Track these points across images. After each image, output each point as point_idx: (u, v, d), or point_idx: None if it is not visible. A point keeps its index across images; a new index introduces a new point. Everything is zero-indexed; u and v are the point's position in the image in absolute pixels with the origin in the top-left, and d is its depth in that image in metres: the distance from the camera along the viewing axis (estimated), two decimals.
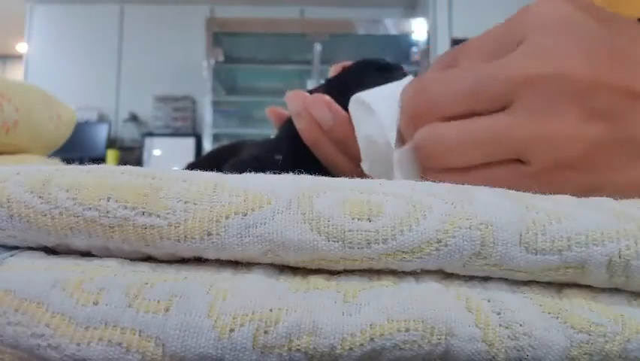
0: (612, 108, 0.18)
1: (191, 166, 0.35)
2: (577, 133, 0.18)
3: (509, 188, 0.17)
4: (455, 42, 2.63)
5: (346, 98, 0.30)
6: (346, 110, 0.28)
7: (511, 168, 0.19)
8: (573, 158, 0.18)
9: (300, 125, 0.29)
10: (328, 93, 0.30)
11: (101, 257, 0.15)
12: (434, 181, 0.16)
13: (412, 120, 0.21)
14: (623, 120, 0.18)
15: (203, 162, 0.37)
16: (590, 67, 0.18)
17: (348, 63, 0.34)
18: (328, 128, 0.28)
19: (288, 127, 0.32)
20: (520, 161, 0.19)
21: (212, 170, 0.16)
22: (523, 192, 0.16)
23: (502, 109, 0.19)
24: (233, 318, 0.13)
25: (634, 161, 0.18)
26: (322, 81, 0.34)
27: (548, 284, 0.15)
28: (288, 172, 0.16)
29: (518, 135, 0.19)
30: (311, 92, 0.32)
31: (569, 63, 0.18)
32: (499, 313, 0.13)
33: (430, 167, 0.21)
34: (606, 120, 0.18)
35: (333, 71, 0.34)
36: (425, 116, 0.21)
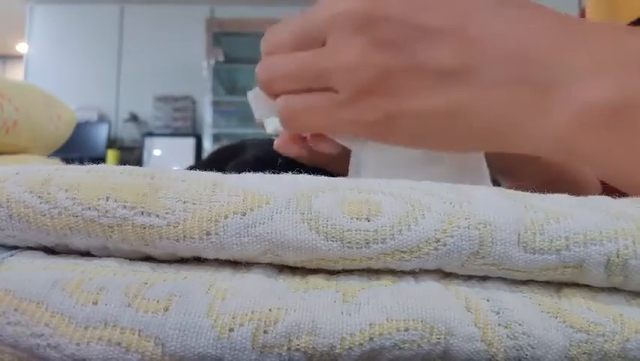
0: (396, 38, 0.20)
1: (192, 169, 0.34)
2: (365, 61, 0.20)
3: (323, 113, 0.22)
4: None
5: None
6: None
7: (327, 96, 0.22)
8: (369, 84, 0.21)
9: (305, 161, 0.29)
10: None
11: (100, 257, 0.15)
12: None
13: (264, 54, 0.25)
14: (408, 50, 0.20)
15: (204, 165, 0.36)
16: (375, 2, 0.21)
17: None
18: (306, 157, 0.28)
19: None
20: (333, 90, 0.22)
21: (212, 168, 0.16)
22: (335, 117, 0.21)
23: (320, 47, 0.22)
24: (233, 318, 0.13)
25: (428, 90, 0.20)
26: None
27: (547, 284, 0.15)
28: (288, 172, 0.16)
29: (324, 66, 0.21)
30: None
31: (360, 1, 0.21)
32: (498, 313, 0.14)
33: (268, 93, 0.24)
34: (391, 49, 0.20)
35: None
36: (270, 50, 0.24)
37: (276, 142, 0.29)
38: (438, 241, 0.14)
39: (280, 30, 0.24)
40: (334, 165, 0.29)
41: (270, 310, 0.13)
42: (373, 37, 0.20)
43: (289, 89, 0.23)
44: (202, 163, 0.38)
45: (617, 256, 0.14)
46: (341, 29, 0.21)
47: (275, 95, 0.24)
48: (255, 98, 0.26)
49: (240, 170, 0.33)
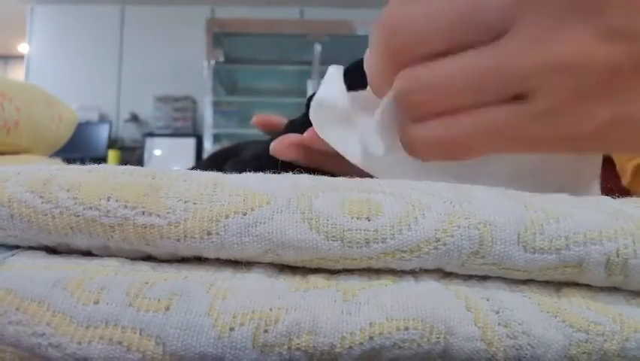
0: (632, 25, 0.15)
1: (193, 169, 0.35)
2: (593, 55, 0.15)
3: (508, 133, 0.15)
4: None
5: None
6: None
7: (514, 108, 0.16)
8: (592, 86, 0.16)
9: (302, 165, 0.28)
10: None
11: (101, 256, 0.15)
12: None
13: (389, 63, 0.18)
14: None
15: (204, 165, 0.36)
16: None
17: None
18: (305, 161, 0.28)
19: (287, 129, 0.32)
20: (519, 98, 0.16)
21: (213, 168, 0.16)
22: (524, 135, 0.15)
23: (496, 39, 0.16)
24: (234, 317, 0.13)
25: None
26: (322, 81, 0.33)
27: (547, 283, 0.15)
28: (287, 172, 0.16)
29: (520, 65, 0.16)
30: (290, 122, 0.31)
31: None
32: (497, 312, 0.14)
33: (416, 116, 0.18)
34: (625, 40, 0.15)
35: None
36: (406, 56, 0.18)
37: (272, 146, 0.28)
38: (438, 240, 0.14)
39: (417, 24, 0.17)
40: (331, 165, 0.29)
41: (270, 309, 0.13)
42: (601, 24, 0.15)
43: (459, 105, 0.17)
44: (201, 164, 0.38)
45: (617, 256, 0.14)
46: (545, 12, 0.16)
47: (429, 115, 0.18)
48: (382, 122, 0.19)
49: (238, 168, 0.32)
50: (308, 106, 0.29)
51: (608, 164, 0.30)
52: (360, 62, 0.32)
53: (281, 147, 0.28)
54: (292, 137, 0.28)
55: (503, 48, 0.16)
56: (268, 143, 0.33)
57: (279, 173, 0.16)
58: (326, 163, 0.28)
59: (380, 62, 0.19)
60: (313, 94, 0.32)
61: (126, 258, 0.15)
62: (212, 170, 0.17)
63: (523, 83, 0.16)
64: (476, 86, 0.17)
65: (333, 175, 0.17)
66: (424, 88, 0.17)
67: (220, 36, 2.75)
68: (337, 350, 0.13)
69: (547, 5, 0.16)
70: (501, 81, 0.16)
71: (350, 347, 0.13)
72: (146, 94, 3.06)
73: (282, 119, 0.35)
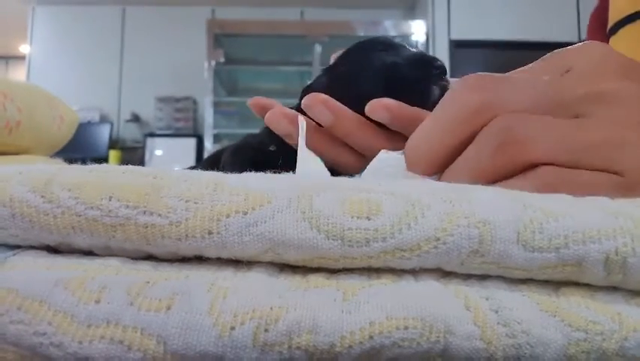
0: None
1: (192, 169, 0.34)
2: None
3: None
4: (453, 44, 2.63)
5: (351, 86, 0.29)
6: (353, 100, 0.28)
7: (605, 177, 0.18)
8: None
9: (293, 143, 0.29)
10: (331, 86, 0.29)
11: (102, 256, 0.15)
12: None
13: (467, 123, 0.20)
14: None
15: (203, 165, 0.36)
16: None
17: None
18: (329, 126, 0.28)
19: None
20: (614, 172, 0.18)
21: (212, 168, 0.16)
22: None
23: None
24: (234, 316, 0.13)
25: None
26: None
27: (546, 283, 0.15)
28: (282, 160, 0.16)
29: (600, 143, 0.18)
30: (310, 86, 0.32)
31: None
32: (497, 312, 0.14)
33: (512, 162, 0.19)
34: None
35: (333, 59, 0.33)
36: (489, 113, 0.19)
37: (267, 116, 0.28)
38: (438, 239, 0.14)
39: (515, 86, 0.19)
40: (323, 149, 0.28)
41: (271, 308, 0.13)
42: None
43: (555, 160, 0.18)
44: (200, 164, 0.38)
45: (616, 254, 0.14)
46: (624, 105, 0.18)
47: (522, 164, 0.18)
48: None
49: (232, 153, 0.32)
50: (301, 98, 0.29)
51: None
52: (363, 47, 0.31)
53: (274, 117, 0.28)
54: (286, 109, 0.29)
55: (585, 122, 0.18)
56: (262, 134, 0.33)
57: (279, 173, 0.16)
58: (317, 143, 0.28)
59: (454, 120, 0.20)
60: (308, 85, 0.32)
61: (127, 257, 0.15)
62: (210, 167, 0.17)
63: (608, 161, 0.18)
64: (578, 153, 0.18)
65: (331, 169, 0.17)
66: (530, 126, 0.18)
67: (221, 37, 2.75)
68: (337, 349, 0.13)
69: (615, 98, 0.18)
70: (600, 154, 0.18)
71: (350, 346, 0.13)
72: (147, 94, 3.06)
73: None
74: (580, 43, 0.21)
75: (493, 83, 0.20)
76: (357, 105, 0.27)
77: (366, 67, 0.29)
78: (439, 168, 0.20)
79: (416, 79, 0.28)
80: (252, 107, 0.33)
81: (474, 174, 0.19)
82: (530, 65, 0.22)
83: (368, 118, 0.27)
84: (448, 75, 0.29)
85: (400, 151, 0.22)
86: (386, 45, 0.30)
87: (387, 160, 0.22)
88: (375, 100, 0.26)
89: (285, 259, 0.15)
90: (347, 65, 0.31)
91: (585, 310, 0.14)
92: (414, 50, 0.30)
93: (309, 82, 0.33)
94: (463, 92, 0.20)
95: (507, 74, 0.22)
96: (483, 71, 0.21)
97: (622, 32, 0.43)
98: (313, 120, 0.28)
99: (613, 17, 0.44)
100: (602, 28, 0.48)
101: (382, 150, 0.23)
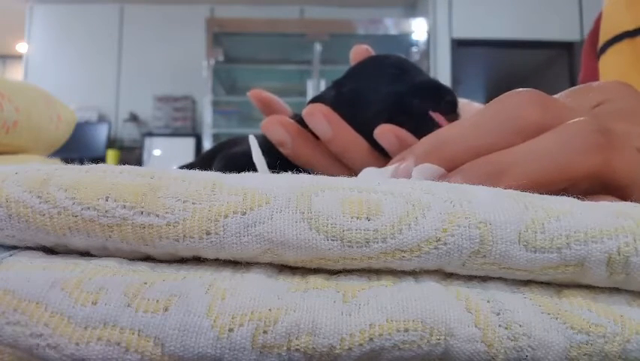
0: None
1: (185, 167, 0.34)
2: None
3: None
4: (455, 42, 2.63)
5: (357, 107, 0.29)
6: (357, 120, 0.28)
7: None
8: None
9: (286, 152, 0.28)
10: (338, 101, 0.29)
11: (99, 257, 0.15)
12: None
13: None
14: None
15: (196, 163, 0.36)
16: None
17: (368, 52, 0.32)
18: (327, 140, 0.27)
19: None
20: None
21: (204, 168, 0.16)
22: None
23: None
24: (232, 318, 0.13)
25: None
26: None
27: (548, 285, 0.15)
28: (286, 171, 0.16)
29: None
30: (317, 98, 0.32)
31: None
32: (498, 314, 0.13)
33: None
34: None
35: (355, 55, 0.32)
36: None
37: (262, 123, 0.28)
38: (438, 240, 0.14)
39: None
40: (315, 161, 0.28)
41: (269, 310, 0.13)
42: None
43: None
44: (194, 162, 0.38)
45: (618, 254, 0.14)
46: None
47: None
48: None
49: (226, 160, 0.32)
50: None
51: None
52: (376, 65, 0.31)
53: (271, 124, 0.28)
54: (284, 117, 0.29)
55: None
56: (259, 139, 0.33)
57: (277, 173, 0.16)
58: (309, 159, 0.28)
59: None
60: (315, 96, 0.32)
61: (125, 258, 0.15)
62: (203, 167, 0.16)
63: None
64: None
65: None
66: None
67: (220, 35, 2.75)
68: (337, 351, 0.13)
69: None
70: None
71: (349, 349, 0.13)
72: (146, 94, 3.06)
73: (283, 107, 0.34)
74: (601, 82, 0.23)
75: (553, 103, 0.20)
76: (360, 126, 0.27)
77: (376, 90, 0.29)
78: (456, 165, 0.20)
79: (425, 110, 0.28)
80: (252, 97, 0.33)
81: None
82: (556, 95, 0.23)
83: (368, 140, 0.27)
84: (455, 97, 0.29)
85: (387, 167, 0.22)
86: (401, 68, 0.30)
87: (372, 173, 0.23)
88: (386, 125, 0.27)
89: (284, 260, 0.15)
90: (358, 82, 0.30)
91: (587, 313, 0.14)
92: (428, 76, 0.30)
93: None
94: (522, 104, 0.20)
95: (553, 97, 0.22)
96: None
97: (610, 50, 0.45)
98: (311, 132, 0.28)
99: (602, 39, 0.46)
100: (595, 51, 0.49)
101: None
